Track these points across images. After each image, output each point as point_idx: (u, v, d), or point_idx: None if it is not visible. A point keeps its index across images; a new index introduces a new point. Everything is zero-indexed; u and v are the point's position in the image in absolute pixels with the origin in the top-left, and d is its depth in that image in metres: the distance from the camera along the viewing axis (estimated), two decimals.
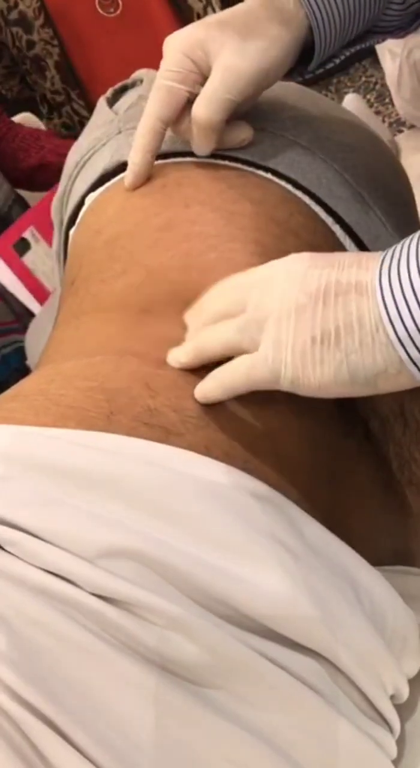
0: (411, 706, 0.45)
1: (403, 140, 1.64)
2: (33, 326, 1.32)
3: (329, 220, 0.59)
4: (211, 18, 0.58)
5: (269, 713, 0.38)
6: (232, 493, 0.41)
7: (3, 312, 1.40)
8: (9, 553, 0.37)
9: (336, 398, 0.45)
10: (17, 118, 1.72)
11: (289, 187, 0.59)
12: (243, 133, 0.60)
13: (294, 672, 0.38)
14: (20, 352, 1.35)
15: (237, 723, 0.36)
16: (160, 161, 0.60)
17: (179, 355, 0.47)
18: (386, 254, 0.42)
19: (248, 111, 0.60)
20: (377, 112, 2.35)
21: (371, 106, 2.39)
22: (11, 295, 1.38)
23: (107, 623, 0.36)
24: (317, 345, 0.42)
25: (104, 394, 0.44)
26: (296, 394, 0.44)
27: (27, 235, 1.39)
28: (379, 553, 0.50)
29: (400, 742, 0.44)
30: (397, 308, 0.39)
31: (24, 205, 1.53)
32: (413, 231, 0.42)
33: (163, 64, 0.58)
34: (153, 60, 0.62)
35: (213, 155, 0.59)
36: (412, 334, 0.39)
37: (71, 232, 0.67)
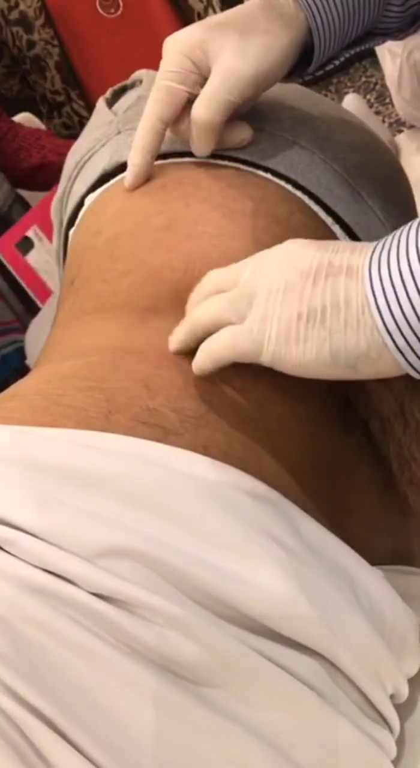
0: (411, 706, 0.45)
1: (403, 140, 1.64)
2: (33, 326, 1.32)
3: (329, 220, 0.59)
4: (211, 19, 0.58)
5: (269, 713, 0.38)
6: (231, 493, 0.41)
7: (3, 312, 1.40)
8: (8, 552, 0.37)
9: (336, 399, 0.45)
10: (17, 119, 1.72)
11: (289, 186, 0.59)
12: (242, 134, 0.60)
13: (294, 671, 0.38)
14: (20, 352, 1.35)
15: (237, 723, 0.36)
16: (159, 161, 0.60)
17: (176, 332, 0.48)
18: (379, 242, 0.42)
19: (248, 111, 0.60)
20: (377, 112, 2.35)
21: (371, 106, 2.39)
22: (12, 295, 1.38)
23: (107, 623, 0.36)
24: (303, 321, 0.42)
25: (103, 393, 0.44)
26: (296, 394, 0.44)
27: (30, 234, 1.39)
28: (379, 552, 0.50)
29: (400, 741, 0.44)
30: (385, 297, 0.40)
31: (24, 205, 1.52)
32: None
33: (163, 64, 0.58)
34: (153, 60, 0.62)
35: (212, 155, 0.59)
36: (399, 323, 0.39)
37: (71, 232, 0.67)
